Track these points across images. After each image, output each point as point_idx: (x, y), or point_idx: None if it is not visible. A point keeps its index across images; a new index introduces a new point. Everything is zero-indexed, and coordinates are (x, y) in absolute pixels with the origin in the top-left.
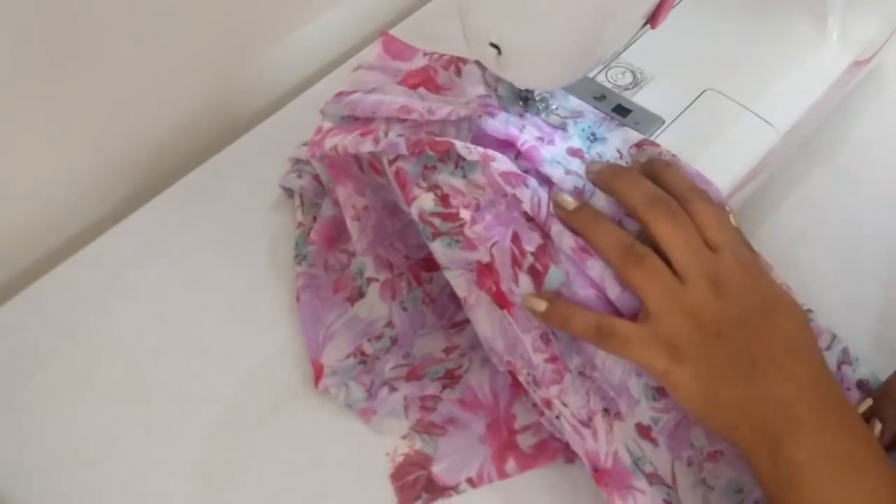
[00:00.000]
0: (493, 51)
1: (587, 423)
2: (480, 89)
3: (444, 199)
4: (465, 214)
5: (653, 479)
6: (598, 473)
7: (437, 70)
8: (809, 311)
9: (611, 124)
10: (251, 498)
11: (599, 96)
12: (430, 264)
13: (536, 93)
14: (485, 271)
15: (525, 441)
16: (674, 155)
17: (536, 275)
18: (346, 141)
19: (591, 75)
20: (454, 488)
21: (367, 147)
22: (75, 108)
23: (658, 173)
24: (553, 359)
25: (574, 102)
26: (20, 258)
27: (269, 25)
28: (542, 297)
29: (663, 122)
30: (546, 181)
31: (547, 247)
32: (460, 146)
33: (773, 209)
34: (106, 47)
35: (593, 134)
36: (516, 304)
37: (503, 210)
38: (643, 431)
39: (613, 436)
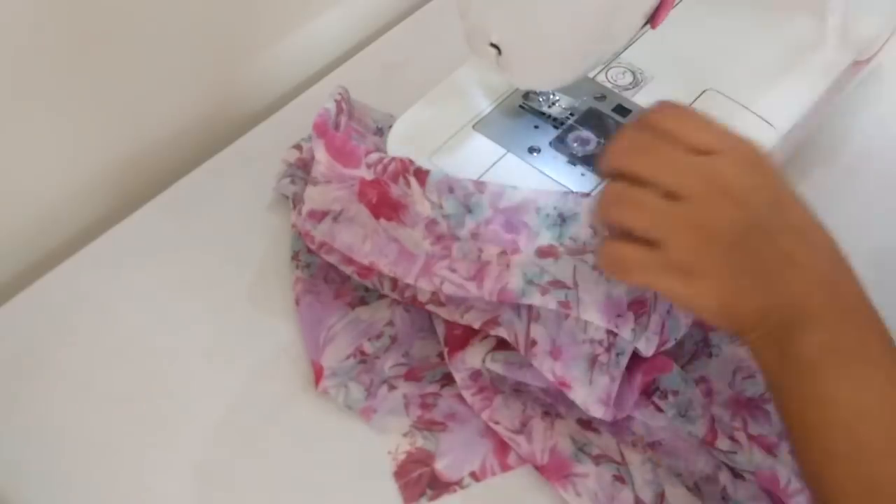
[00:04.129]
0: (493, 51)
1: (520, 430)
2: (427, 208)
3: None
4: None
5: (600, 459)
6: (540, 470)
7: (388, 184)
8: None
9: (576, 196)
10: (251, 498)
11: (599, 96)
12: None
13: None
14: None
15: None
16: None
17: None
18: (344, 269)
19: (591, 75)
20: (458, 483)
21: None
22: (75, 108)
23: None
24: (481, 390)
25: (529, 184)
26: (20, 258)
27: (269, 26)
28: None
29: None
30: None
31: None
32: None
33: None
34: (106, 49)
35: (560, 215)
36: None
37: None
38: (584, 425)
39: (554, 432)
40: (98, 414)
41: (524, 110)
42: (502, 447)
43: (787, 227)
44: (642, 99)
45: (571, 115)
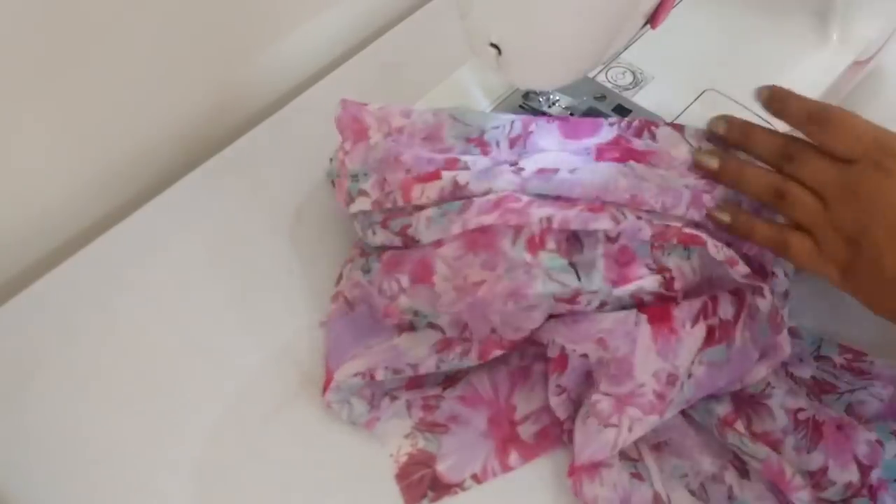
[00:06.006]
0: (493, 51)
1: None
2: (684, 151)
3: (669, 283)
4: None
5: (620, 455)
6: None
7: (630, 140)
8: None
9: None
10: (251, 498)
11: (599, 96)
12: (514, 346)
13: None
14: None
15: (526, 431)
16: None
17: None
18: (566, 214)
19: (591, 75)
20: (459, 485)
21: (601, 224)
22: (75, 108)
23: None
24: (660, 396)
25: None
26: (20, 258)
27: (269, 26)
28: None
29: (663, 122)
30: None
31: (730, 327)
32: (710, 245)
33: None
34: (106, 48)
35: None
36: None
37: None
38: None
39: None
40: (98, 414)
41: (524, 110)
42: (503, 448)
43: None
44: (642, 99)
45: (571, 115)
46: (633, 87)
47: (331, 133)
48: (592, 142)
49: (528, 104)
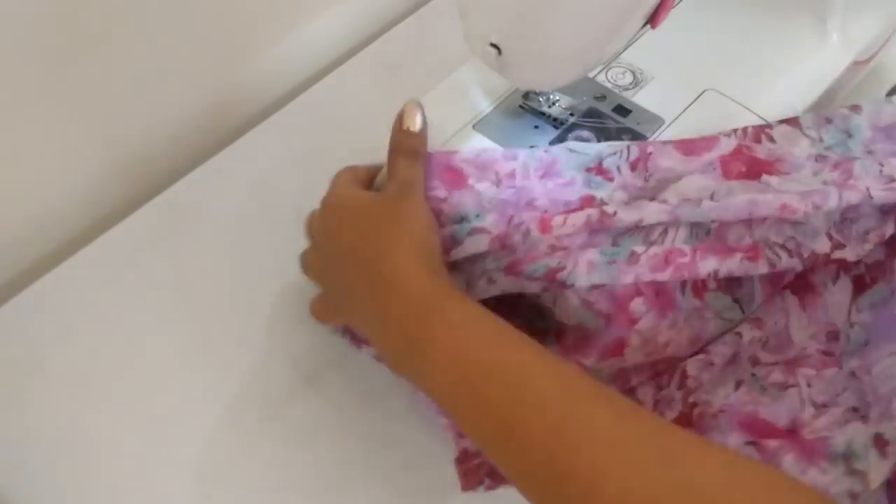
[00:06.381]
0: (493, 51)
1: (819, 405)
2: (806, 146)
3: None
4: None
5: (853, 473)
6: (792, 434)
7: (750, 146)
8: None
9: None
10: (251, 498)
11: (599, 96)
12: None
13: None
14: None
15: None
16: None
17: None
18: (730, 267)
19: (591, 75)
20: None
21: (762, 270)
22: (75, 109)
23: None
24: (827, 353)
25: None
26: (20, 258)
27: (269, 26)
28: None
29: (663, 122)
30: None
31: (884, 265)
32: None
33: None
34: (106, 49)
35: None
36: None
37: None
38: (879, 442)
39: (840, 429)
40: (98, 414)
41: (524, 110)
42: None
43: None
44: (642, 99)
45: (571, 115)
46: (633, 87)
47: (331, 133)
48: (714, 155)
49: (528, 104)
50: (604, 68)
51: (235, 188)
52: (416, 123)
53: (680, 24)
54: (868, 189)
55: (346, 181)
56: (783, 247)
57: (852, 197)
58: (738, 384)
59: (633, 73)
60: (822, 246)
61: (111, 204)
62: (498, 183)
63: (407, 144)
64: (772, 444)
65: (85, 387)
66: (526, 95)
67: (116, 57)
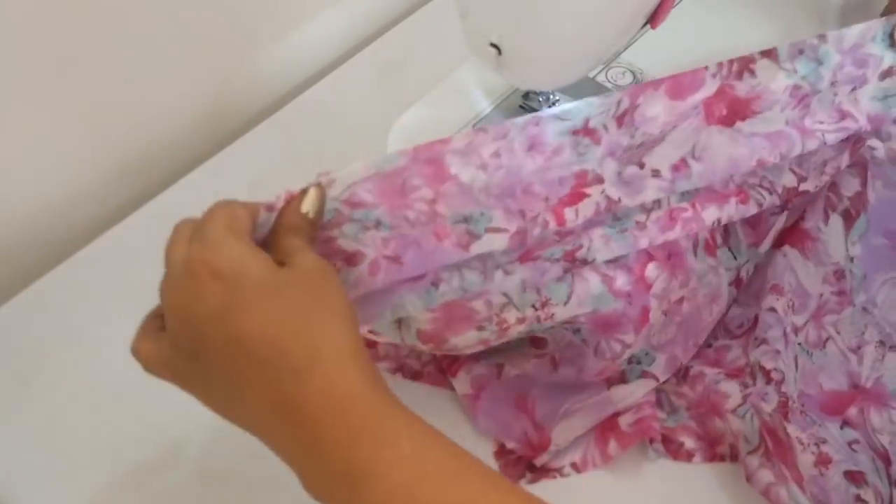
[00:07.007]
0: (493, 51)
1: (855, 349)
2: (783, 77)
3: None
4: None
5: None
6: (856, 390)
7: (733, 85)
8: None
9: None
10: (251, 498)
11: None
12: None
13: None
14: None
15: (625, 420)
16: None
17: (848, 218)
18: (729, 213)
19: (591, 75)
20: (558, 471)
21: (753, 211)
22: (75, 109)
23: None
24: (840, 293)
25: None
26: (20, 258)
27: (269, 26)
28: None
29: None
30: None
31: (862, 195)
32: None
33: None
34: (106, 50)
35: (892, 35)
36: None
37: None
38: None
39: (883, 364)
40: (98, 414)
41: (524, 110)
42: (603, 436)
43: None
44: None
45: None
46: None
47: (331, 133)
48: (698, 98)
49: (528, 104)
50: (604, 68)
51: (235, 188)
52: (311, 212)
53: (680, 24)
54: (823, 135)
55: (226, 230)
56: (761, 186)
57: (810, 144)
58: (795, 361)
59: (633, 73)
60: (790, 180)
61: (111, 204)
62: (483, 167)
63: (300, 225)
64: (853, 413)
65: (85, 386)
66: (526, 95)
67: (116, 57)
